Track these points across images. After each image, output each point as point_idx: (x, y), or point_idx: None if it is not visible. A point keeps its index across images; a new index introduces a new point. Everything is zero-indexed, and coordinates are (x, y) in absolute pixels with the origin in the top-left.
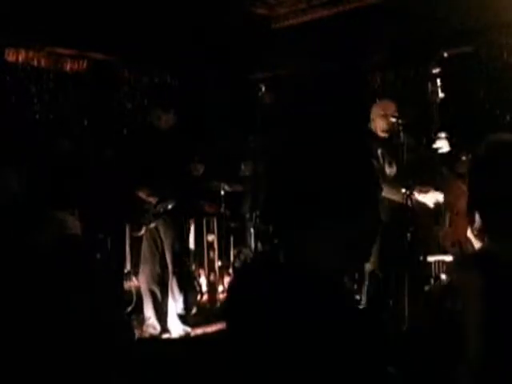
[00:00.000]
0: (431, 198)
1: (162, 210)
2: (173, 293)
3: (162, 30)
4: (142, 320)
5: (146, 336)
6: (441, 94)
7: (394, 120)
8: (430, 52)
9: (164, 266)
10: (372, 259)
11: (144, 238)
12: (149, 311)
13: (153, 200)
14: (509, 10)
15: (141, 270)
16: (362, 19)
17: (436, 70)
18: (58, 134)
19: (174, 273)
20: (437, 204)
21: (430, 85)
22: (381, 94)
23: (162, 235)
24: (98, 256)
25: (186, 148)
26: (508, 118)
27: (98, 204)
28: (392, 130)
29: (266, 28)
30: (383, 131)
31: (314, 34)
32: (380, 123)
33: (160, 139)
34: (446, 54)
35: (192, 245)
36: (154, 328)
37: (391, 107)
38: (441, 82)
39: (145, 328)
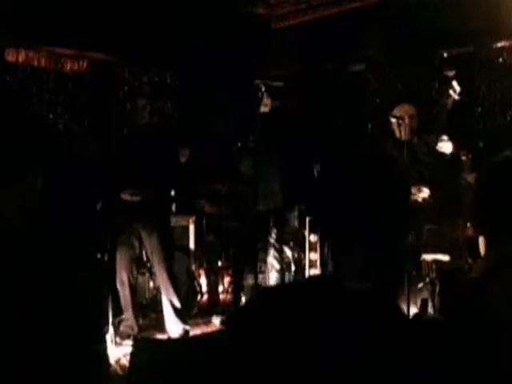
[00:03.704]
0: (421, 195)
1: (147, 200)
2: (168, 293)
3: (162, 30)
4: (119, 321)
5: (124, 337)
6: (456, 97)
7: (394, 120)
8: (430, 52)
9: (151, 267)
10: None
11: (122, 241)
12: (128, 313)
13: (137, 198)
14: (509, 9)
15: (118, 274)
16: (362, 19)
17: (451, 73)
18: (58, 134)
19: (168, 274)
20: (427, 202)
21: (443, 87)
22: (380, 94)
23: (146, 239)
24: (99, 256)
25: (177, 144)
26: (508, 117)
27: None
28: (407, 133)
29: (266, 28)
30: (399, 135)
31: (314, 34)
32: (396, 127)
33: (153, 137)
34: (445, 54)
35: (192, 245)
36: (132, 329)
37: (403, 114)
38: (458, 84)
39: (122, 328)
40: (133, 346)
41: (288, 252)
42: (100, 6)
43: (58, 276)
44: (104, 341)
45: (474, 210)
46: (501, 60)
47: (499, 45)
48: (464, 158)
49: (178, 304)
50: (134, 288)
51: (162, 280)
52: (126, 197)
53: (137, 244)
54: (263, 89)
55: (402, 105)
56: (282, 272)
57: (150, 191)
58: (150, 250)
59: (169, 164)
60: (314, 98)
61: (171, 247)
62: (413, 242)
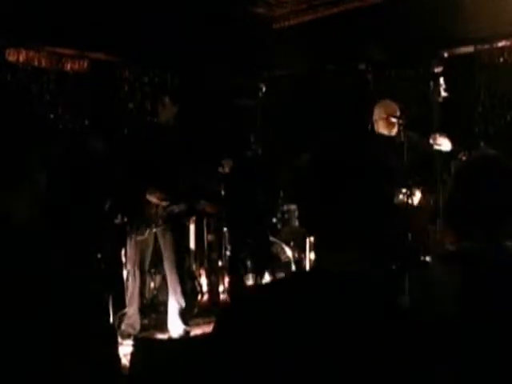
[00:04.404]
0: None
1: (176, 211)
2: (175, 293)
3: (163, 30)
4: (121, 315)
5: (125, 336)
6: (443, 93)
7: (394, 120)
8: (430, 52)
9: (156, 268)
10: None
11: (139, 238)
12: (131, 310)
13: (163, 203)
14: (509, 9)
15: (131, 268)
16: (362, 19)
17: (438, 69)
18: (58, 135)
19: (177, 275)
20: (429, 203)
21: (432, 84)
22: (381, 94)
23: (161, 239)
24: (99, 256)
25: (193, 148)
26: (508, 117)
27: (100, 205)
28: (393, 130)
29: (266, 28)
30: (385, 132)
31: (314, 34)
32: (382, 125)
33: (163, 138)
34: (446, 54)
35: (192, 245)
36: (134, 328)
37: (393, 108)
38: (444, 81)
39: (124, 327)
40: (133, 345)
41: (288, 252)
42: (100, 6)
43: (60, 276)
44: (107, 341)
45: (444, 207)
46: (501, 60)
47: (499, 45)
48: (463, 157)
49: (183, 305)
50: (143, 285)
51: (170, 280)
52: (155, 199)
53: (152, 244)
54: (263, 88)
55: (387, 102)
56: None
57: (179, 198)
58: (164, 250)
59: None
60: (314, 97)
61: (184, 249)
62: (412, 244)
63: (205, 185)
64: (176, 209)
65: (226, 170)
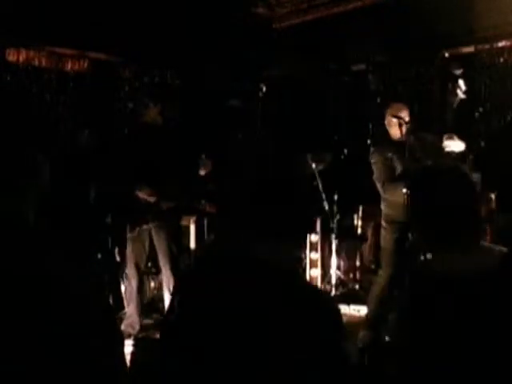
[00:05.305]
0: None
1: (163, 208)
2: (170, 292)
3: (163, 30)
4: (120, 319)
5: (125, 336)
6: (462, 96)
7: (403, 123)
8: (430, 52)
9: (151, 267)
10: (386, 263)
11: (132, 238)
12: (131, 309)
13: (153, 199)
14: (509, 9)
15: (127, 270)
16: (362, 19)
17: (459, 71)
18: (58, 134)
19: (172, 272)
20: None
21: (450, 86)
22: (381, 95)
23: (155, 236)
24: (99, 256)
25: (189, 146)
26: (508, 117)
27: (99, 203)
28: (398, 133)
29: (266, 28)
30: (396, 137)
31: (314, 34)
32: (393, 130)
33: (161, 138)
34: (446, 54)
35: (192, 245)
36: (133, 328)
37: (403, 113)
38: (465, 83)
39: (124, 328)
40: (134, 345)
41: None
42: (100, 6)
43: (60, 276)
44: (110, 341)
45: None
46: (501, 60)
47: (500, 45)
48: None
49: None
50: (141, 284)
51: (166, 279)
52: (142, 195)
53: (147, 242)
54: (264, 88)
55: (396, 104)
56: None
57: (166, 193)
58: (158, 247)
59: (180, 167)
60: (314, 97)
61: (178, 247)
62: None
63: (193, 183)
64: (164, 206)
65: (203, 172)
